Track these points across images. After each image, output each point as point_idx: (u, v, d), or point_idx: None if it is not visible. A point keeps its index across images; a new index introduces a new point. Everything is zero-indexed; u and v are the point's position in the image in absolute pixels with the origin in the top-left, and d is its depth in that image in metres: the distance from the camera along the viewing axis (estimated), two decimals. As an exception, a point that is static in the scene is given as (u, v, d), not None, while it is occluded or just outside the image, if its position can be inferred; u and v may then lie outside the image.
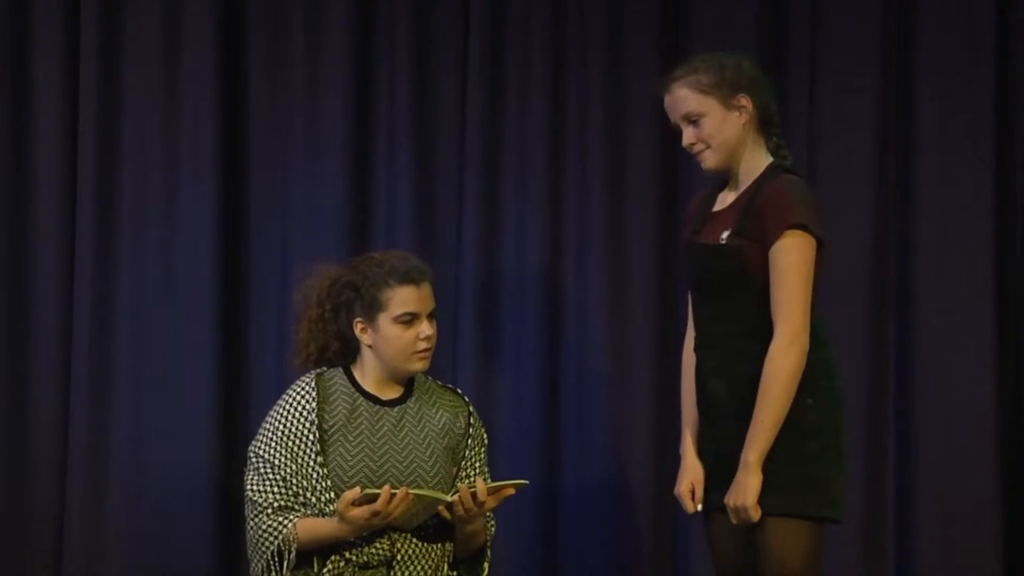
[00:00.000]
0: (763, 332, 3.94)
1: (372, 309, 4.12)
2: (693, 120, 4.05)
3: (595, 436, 5.14)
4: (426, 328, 4.12)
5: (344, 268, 4.22)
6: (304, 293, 4.22)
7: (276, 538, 4.02)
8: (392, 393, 4.19)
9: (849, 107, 5.21)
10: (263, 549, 4.03)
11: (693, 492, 4.13)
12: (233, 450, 5.08)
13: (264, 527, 4.04)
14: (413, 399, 4.20)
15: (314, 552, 4.05)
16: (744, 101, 4.03)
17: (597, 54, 5.22)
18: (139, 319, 5.14)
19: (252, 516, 4.07)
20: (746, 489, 3.91)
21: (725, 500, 3.95)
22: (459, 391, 4.31)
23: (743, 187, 4.06)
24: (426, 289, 4.15)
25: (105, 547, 5.09)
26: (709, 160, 4.07)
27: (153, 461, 5.11)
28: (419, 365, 4.15)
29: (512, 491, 4.06)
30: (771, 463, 3.92)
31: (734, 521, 3.95)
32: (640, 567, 5.13)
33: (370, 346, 4.14)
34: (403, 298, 4.12)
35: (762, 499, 3.93)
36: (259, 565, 4.04)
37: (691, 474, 4.14)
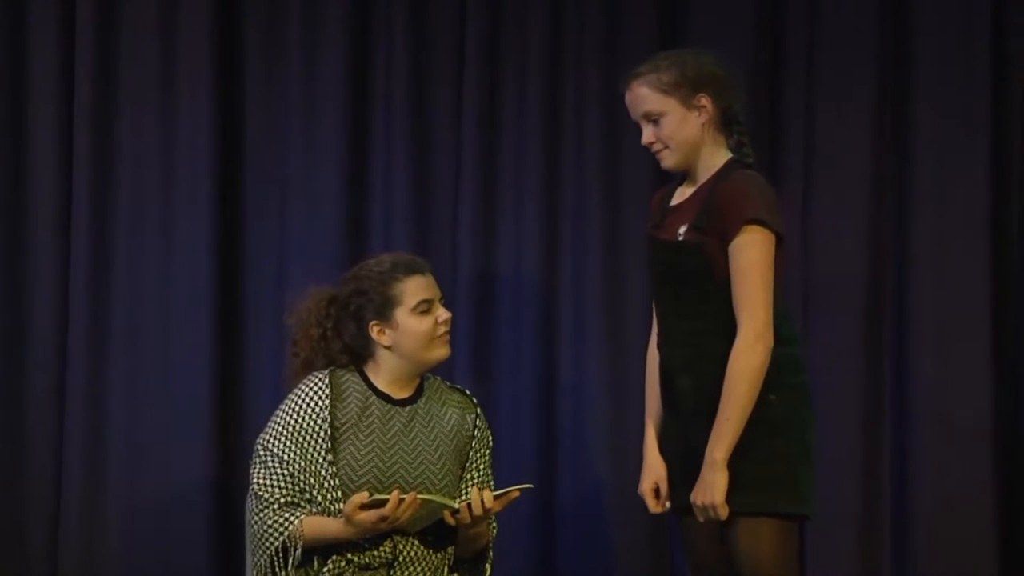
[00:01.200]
0: (726, 328, 3.95)
1: (386, 307, 4.12)
2: (653, 119, 4.06)
3: (591, 436, 5.15)
4: (443, 312, 4.16)
5: (340, 285, 4.22)
6: (300, 316, 4.21)
7: (282, 534, 4.00)
8: (404, 392, 4.18)
9: (845, 111, 5.21)
10: (267, 544, 4.01)
11: (657, 491, 4.14)
12: (230, 452, 5.09)
13: (269, 522, 4.01)
14: (424, 399, 4.19)
15: (315, 551, 4.04)
16: (704, 101, 4.03)
17: (594, 54, 5.21)
18: (135, 321, 5.12)
19: (257, 511, 4.04)
20: (713, 487, 3.90)
21: (692, 498, 3.94)
22: (467, 392, 4.31)
23: (701, 182, 4.06)
24: (431, 277, 4.20)
25: (102, 549, 5.09)
26: (668, 160, 4.08)
27: (150, 464, 5.10)
28: (443, 351, 4.16)
29: (517, 494, 4.07)
30: (738, 461, 3.92)
31: (700, 519, 3.95)
32: (637, 568, 5.14)
33: (389, 347, 4.14)
34: (415, 287, 4.14)
35: (730, 497, 3.93)
36: (262, 560, 4.02)
37: (654, 473, 4.15)
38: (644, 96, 4.05)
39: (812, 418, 4.04)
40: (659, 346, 4.13)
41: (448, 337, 4.18)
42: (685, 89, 4.01)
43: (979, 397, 5.15)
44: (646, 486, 4.15)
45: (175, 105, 5.15)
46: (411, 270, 4.16)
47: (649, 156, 5.10)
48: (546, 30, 5.21)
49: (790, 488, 3.96)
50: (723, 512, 3.91)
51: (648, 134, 4.07)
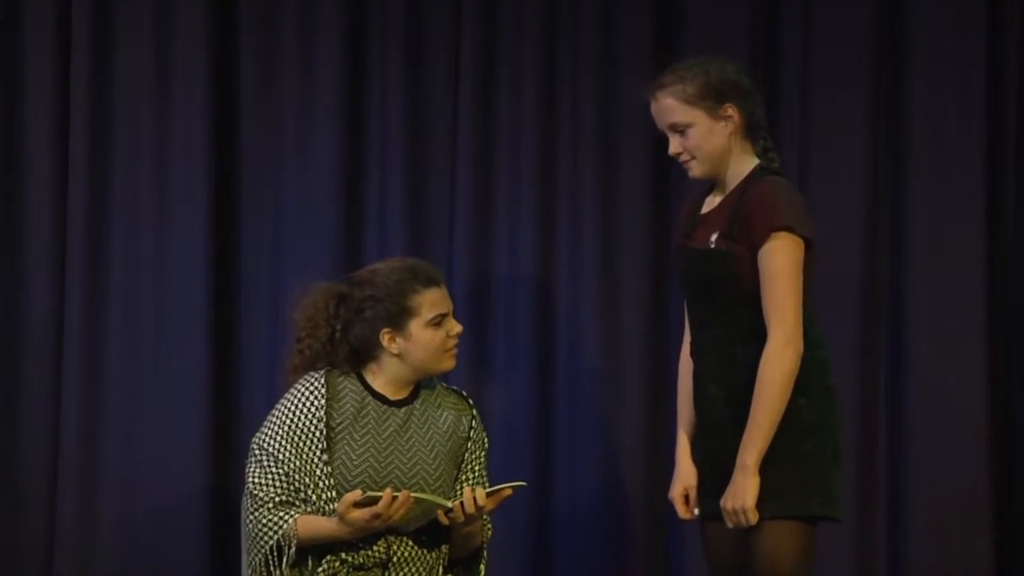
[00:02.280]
0: (756, 335, 3.96)
1: (401, 317, 4.12)
2: (680, 130, 4.06)
3: (587, 438, 5.16)
4: (455, 326, 4.17)
5: (348, 283, 4.21)
6: (308, 312, 4.20)
7: (276, 533, 4.00)
8: (400, 394, 4.18)
9: (840, 112, 5.22)
10: (262, 543, 4.02)
11: (687, 497, 4.16)
12: (225, 453, 5.09)
13: (264, 521, 4.02)
14: (419, 400, 4.20)
15: (309, 551, 4.04)
16: (731, 111, 4.04)
17: (589, 57, 5.21)
18: (130, 323, 5.13)
19: (252, 510, 4.05)
20: (744, 492, 3.91)
21: (722, 503, 3.95)
22: (463, 393, 4.31)
23: (730, 190, 4.08)
24: (446, 289, 4.21)
25: (97, 552, 5.08)
26: (696, 170, 4.09)
27: (145, 465, 5.10)
28: (451, 363, 4.18)
29: (510, 492, 4.07)
30: (767, 465, 3.93)
31: (730, 524, 3.95)
32: (633, 568, 5.15)
33: (397, 354, 4.14)
34: (432, 300, 4.14)
35: (759, 503, 3.93)
36: (257, 559, 4.03)
37: (685, 479, 4.17)
38: (670, 107, 4.05)
39: (839, 421, 4.06)
40: (692, 355, 4.14)
41: (456, 350, 4.19)
42: (711, 100, 4.02)
43: (975, 395, 5.16)
44: (676, 492, 4.17)
45: (171, 109, 5.15)
46: (430, 282, 4.16)
47: (645, 160, 5.19)
48: (541, 36, 5.21)
49: (820, 491, 3.97)
50: (753, 517, 3.92)
51: (675, 145, 4.08)
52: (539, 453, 5.16)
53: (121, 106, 5.15)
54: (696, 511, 4.15)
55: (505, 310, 5.19)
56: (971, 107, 5.19)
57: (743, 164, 4.07)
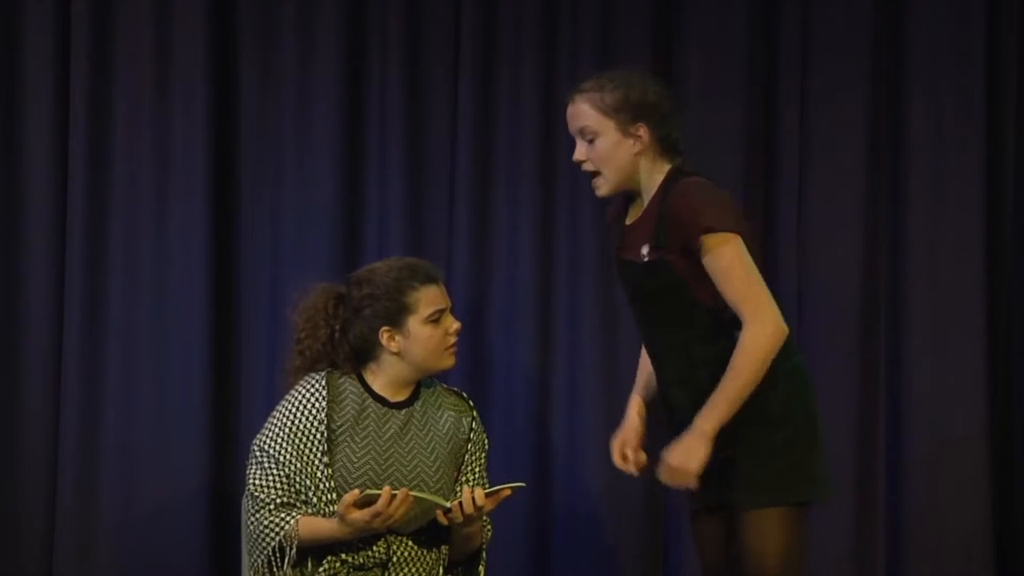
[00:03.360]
0: (710, 335, 3.96)
1: (399, 314, 4.13)
2: (588, 137, 4.04)
3: (586, 439, 5.16)
4: (454, 322, 4.18)
5: (347, 283, 4.22)
6: (307, 313, 4.21)
7: (278, 534, 4.02)
8: (401, 395, 4.20)
9: (839, 113, 5.23)
10: (264, 545, 4.03)
11: (624, 451, 4.13)
12: (225, 453, 5.10)
13: (266, 523, 4.04)
14: (420, 402, 4.21)
15: (310, 552, 4.05)
16: (641, 131, 4.01)
17: (589, 56, 5.21)
18: (130, 325, 5.12)
19: (253, 511, 4.06)
20: (693, 455, 3.85)
21: (665, 457, 3.88)
22: (464, 395, 4.33)
23: (648, 199, 4.04)
24: (443, 286, 4.22)
25: (96, 550, 5.08)
26: (603, 188, 4.07)
27: (144, 464, 5.10)
28: (450, 361, 4.19)
29: (509, 492, 4.08)
30: (744, 461, 3.94)
31: (663, 478, 3.89)
32: (631, 568, 5.16)
33: (396, 352, 4.15)
34: (430, 297, 4.16)
35: (738, 495, 3.94)
36: (259, 560, 4.04)
37: (626, 431, 4.15)
38: (583, 112, 4.04)
39: (813, 400, 4.02)
40: (651, 362, 4.14)
41: (456, 348, 4.20)
42: (625, 114, 4.00)
43: (973, 399, 5.17)
44: (615, 440, 4.14)
45: (170, 109, 5.15)
46: (428, 279, 4.17)
47: None
48: (541, 33, 5.21)
49: (797, 477, 3.95)
50: (693, 483, 3.87)
51: (580, 151, 4.06)
52: (538, 453, 5.17)
53: (121, 105, 5.15)
54: (632, 469, 4.11)
55: (504, 310, 5.20)
56: (970, 108, 5.21)
57: (656, 172, 4.03)
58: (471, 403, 4.31)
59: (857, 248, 5.22)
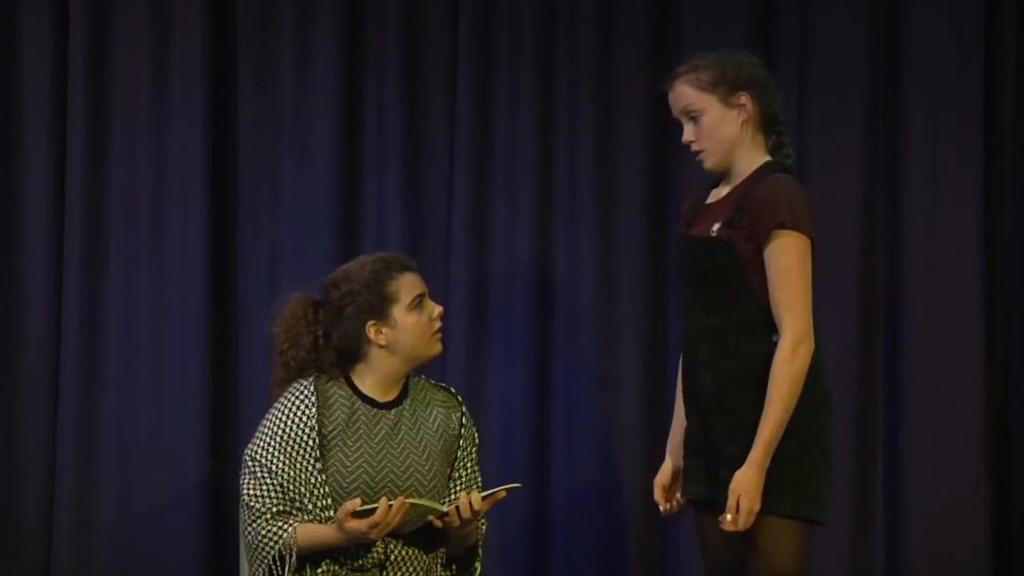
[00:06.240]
0: (752, 328, 3.98)
1: (383, 306, 4.15)
2: (693, 116, 4.08)
3: (585, 436, 5.17)
4: (435, 307, 4.21)
5: (325, 289, 4.22)
6: (287, 323, 4.21)
7: (277, 543, 4.03)
8: (390, 395, 4.21)
9: (837, 110, 5.22)
10: (264, 554, 4.05)
11: (667, 490, 4.23)
12: (222, 454, 5.10)
13: (264, 532, 4.05)
14: (408, 400, 4.22)
15: (308, 556, 4.07)
16: (744, 99, 4.06)
17: (586, 54, 5.20)
18: (128, 324, 5.11)
19: (250, 521, 4.07)
20: (755, 490, 3.90)
21: (731, 493, 3.91)
22: (452, 390, 4.34)
23: (737, 183, 4.09)
24: (418, 272, 4.24)
25: (94, 549, 5.09)
26: (708, 161, 4.11)
27: (142, 464, 5.10)
28: (438, 347, 4.22)
29: (504, 494, 4.10)
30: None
31: (728, 519, 3.92)
32: (630, 567, 5.17)
33: (384, 346, 4.16)
34: (409, 284, 4.19)
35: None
36: (260, 570, 4.06)
37: (664, 472, 4.25)
38: (683, 93, 4.08)
39: (831, 423, 4.06)
40: (682, 342, 4.16)
41: (441, 334, 4.23)
42: (724, 87, 4.05)
43: (971, 393, 5.18)
44: (656, 480, 4.25)
45: (168, 108, 5.12)
46: (403, 267, 4.20)
47: (643, 156, 5.19)
48: (538, 32, 5.20)
49: (800, 491, 3.97)
50: (749, 523, 3.91)
51: (688, 132, 4.10)
52: (536, 449, 5.17)
53: (119, 105, 5.13)
54: (673, 504, 4.22)
55: (503, 308, 5.19)
56: (968, 104, 5.20)
57: (753, 158, 4.08)
58: (459, 398, 4.32)
59: (855, 243, 5.21)
